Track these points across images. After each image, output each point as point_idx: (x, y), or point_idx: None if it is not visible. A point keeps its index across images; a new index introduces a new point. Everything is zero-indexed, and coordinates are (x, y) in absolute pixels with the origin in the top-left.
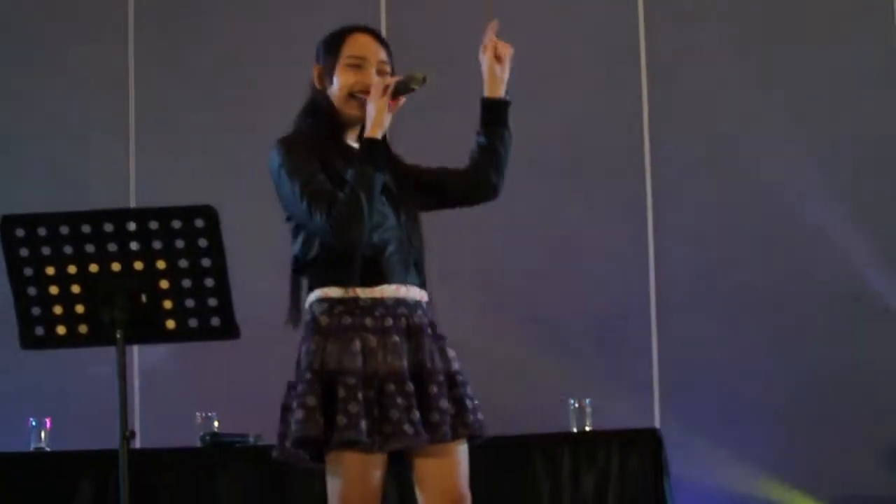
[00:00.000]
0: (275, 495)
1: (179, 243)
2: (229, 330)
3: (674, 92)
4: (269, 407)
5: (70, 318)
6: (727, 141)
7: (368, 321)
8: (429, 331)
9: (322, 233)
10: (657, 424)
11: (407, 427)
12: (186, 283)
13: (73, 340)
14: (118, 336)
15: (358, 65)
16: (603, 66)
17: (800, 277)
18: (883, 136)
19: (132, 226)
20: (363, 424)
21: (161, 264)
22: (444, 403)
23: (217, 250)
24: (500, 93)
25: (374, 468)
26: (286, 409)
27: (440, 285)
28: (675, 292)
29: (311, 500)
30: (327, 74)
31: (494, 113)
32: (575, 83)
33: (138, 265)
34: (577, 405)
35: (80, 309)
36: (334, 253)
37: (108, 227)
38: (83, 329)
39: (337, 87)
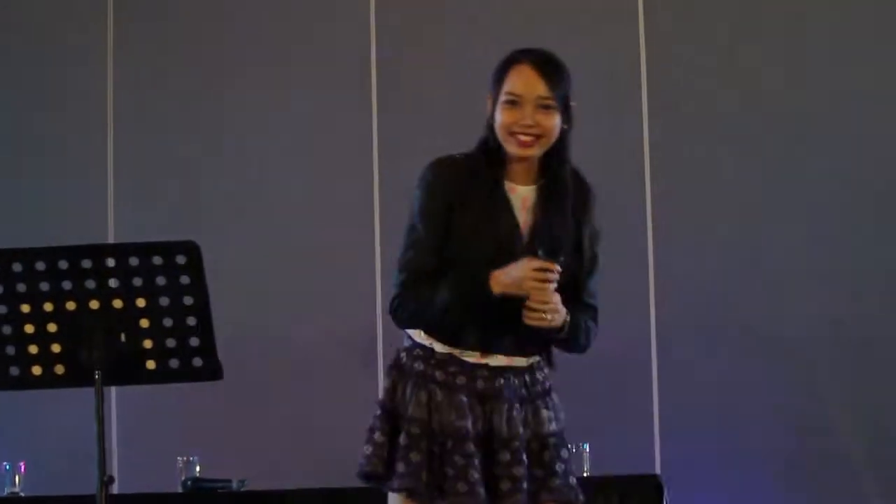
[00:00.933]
0: None
1: (160, 280)
2: (212, 370)
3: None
4: (253, 451)
5: (46, 358)
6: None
7: (439, 374)
8: (517, 394)
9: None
10: (657, 470)
11: (461, 486)
12: (167, 321)
13: (49, 381)
14: (96, 377)
15: (514, 101)
16: (604, 99)
17: (802, 317)
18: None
19: (111, 262)
20: (423, 475)
21: (141, 302)
22: (520, 471)
23: (199, 287)
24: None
25: None
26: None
27: None
28: (675, 333)
29: None
30: (491, 107)
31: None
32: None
33: (117, 303)
34: (574, 450)
35: (56, 348)
36: None
37: (87, 264)
38: (60, 369)
39: (497, 123)
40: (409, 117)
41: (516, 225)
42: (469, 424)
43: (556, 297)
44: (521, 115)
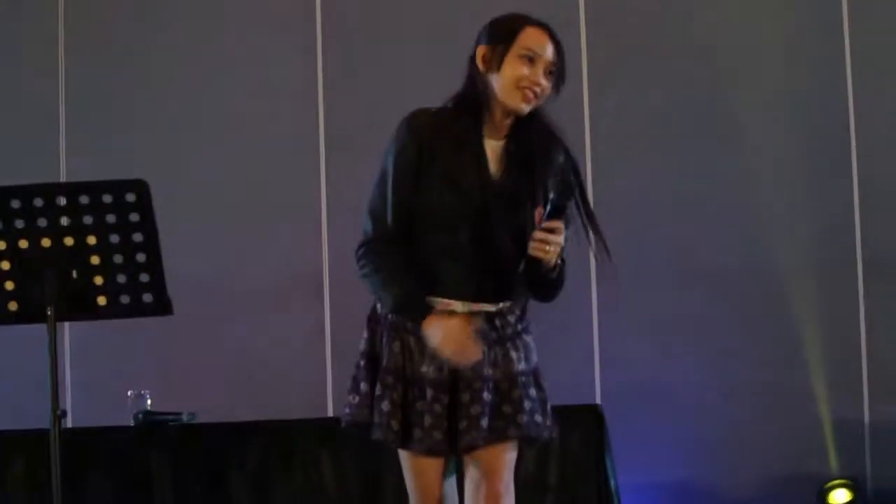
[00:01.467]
0: (208, 475)
1: (111, 218)
2: (162, 306)
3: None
4: (202, 384)
5: None
6: None
7: (410, 323)
8: (487, 337)
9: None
10: (598, 400)
11: (416, 432)
12: (118, 258)
13: (2, 318)
14: (49, 313)
15: (531, 58)
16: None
17: (742, 253)
18: None
19: (62, 200)
20: (394, 424)
21: (92, 240)
22: (476, 409)
23: (149, 225)
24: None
25: (420, 462)
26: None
27: None
28: (615, 266)
29: (247, 478)
30: (496, 59)
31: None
32: None
33: (69, 241)
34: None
35: (9, 286)
36: None
37: (38, 202)
38: (13, 306)
39: (506, 75)
40: (353, 53)
41: (486, 173)
42: (432, 371)
43: (561, 239)
44: (534, 72)
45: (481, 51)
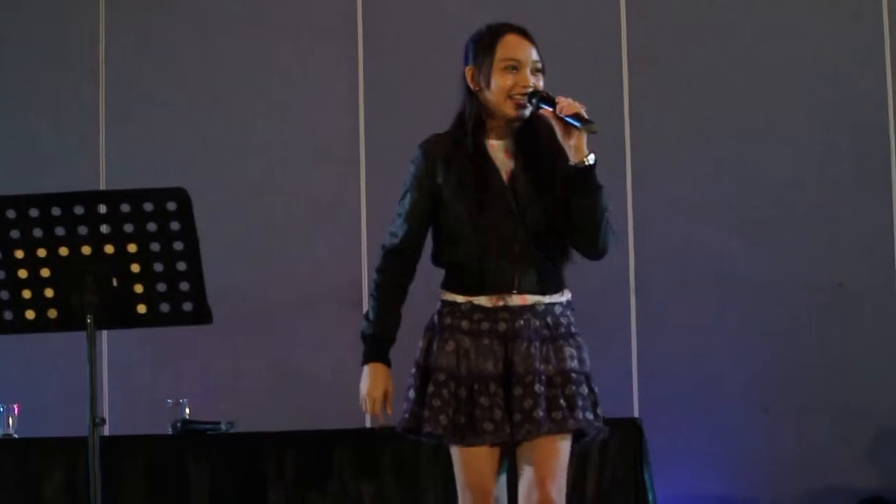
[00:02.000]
0: (246, 484)
1: (151, 226)
2: (202, 315)
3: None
4: (241, 393)
5: (39, 303)
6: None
7: (465, 324)
8: (539, 334)
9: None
10: (636, 413)
11: (487, 425)
12: (158, 266)
13: (42, 325)
14: (88, 321)
15: (514, 67)
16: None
17: (784, 266)
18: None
19: (103, 208)
20: (442, 418)
21: (132, 247)
22: (529, 403)
23: (189, 233)
24: (571, 158)
25: (477, 458)
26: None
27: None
28: (654, 278)
29: (284, 488)
30: (483, 76)
31: (571, 182)
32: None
33: (109, 248)
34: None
35: (49, 293)
36: (443, 261)
37: (79, 210)
38: (52, 314)
39: (494, 89)
40: (394, 62)
41: (499, 174)
42: (491, 366)
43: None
44: (520, 77)
45: (469, 72)
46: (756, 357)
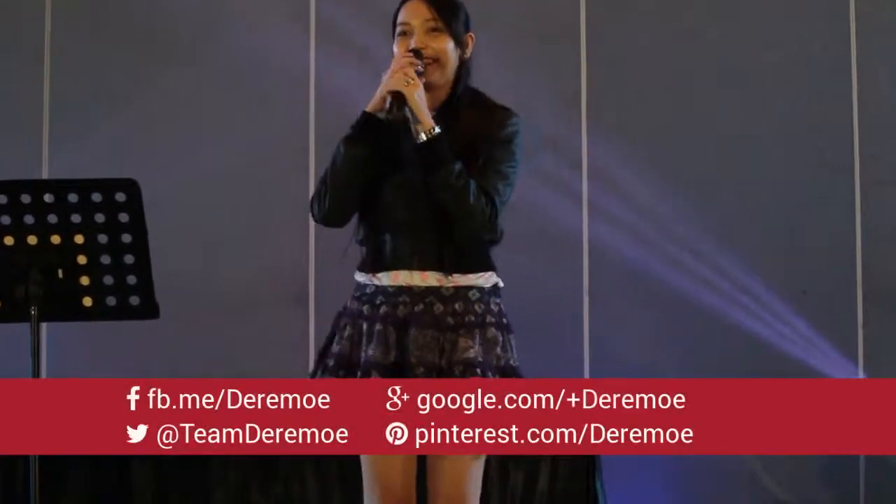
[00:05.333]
0: (191, 483)
1: (99, 217)
2: (149, 309)
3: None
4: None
5: None
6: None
7: (366, 308)
8: (441, 321)
9: None
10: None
11: None
12: (105, 259)
13: None
14: (32, 313)
15: (404, 32)
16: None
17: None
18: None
19: (50, 198)
20: None
21: (79, 239)
22: None
23: (138, 226)
24: (417, 135)
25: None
26: None
27: None
28: (610, 283)
29: (226, 491)
30: (393, 49)
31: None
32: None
33: (55, 239)
34: None
35: None
36: (359, 237)
37: (25, 199)
38: None
39: (395, 56)
40: (346, 50)
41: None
42: (378, 354)
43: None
44: (409, 42)
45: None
46: (714, 365)
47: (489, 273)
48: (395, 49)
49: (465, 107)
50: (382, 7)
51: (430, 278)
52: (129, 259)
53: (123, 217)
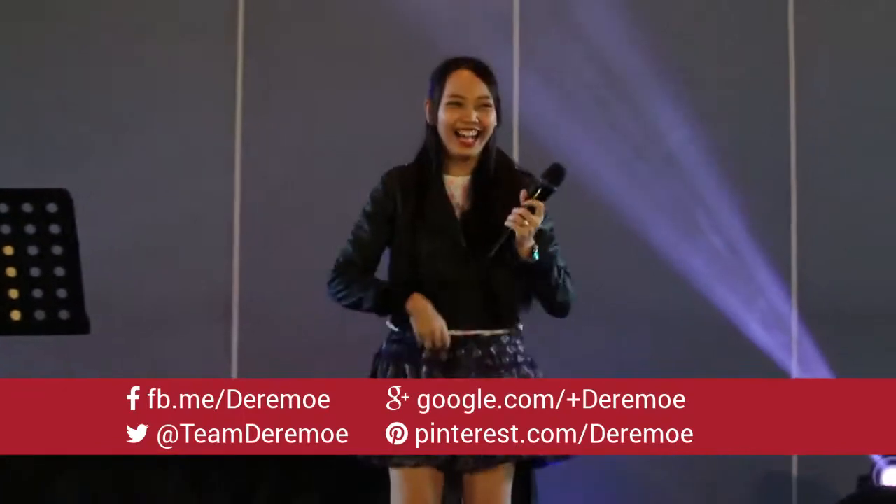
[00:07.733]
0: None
1: (29, 228)
2: (78, 324)
3: None
4: None
5: None
6: None
7: (406, 351)
8: (480, 364)
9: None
10: None
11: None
12: (35, 271)
13: None
14: None
15: (458, 103)
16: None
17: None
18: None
19: None
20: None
21: (8, 250)
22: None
23: (69, 237)
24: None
25: (415, 480)
26: None
27: None
28: None
29: None
30: (433, 110)
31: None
32: None
33: None
34: None
35: None
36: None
37: None
38: None
39: (441, 123)
40: (275, 66)
41: (450, 208)
42: None
43: (538, 219)
44: (465, 113)
45: (426, 105)
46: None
47: (517, 323)
48: (442, 115)
49: (496, 169)
50: (311, 16)
51: (471, 330)
52: (59, 272)
53: (55, 228)
